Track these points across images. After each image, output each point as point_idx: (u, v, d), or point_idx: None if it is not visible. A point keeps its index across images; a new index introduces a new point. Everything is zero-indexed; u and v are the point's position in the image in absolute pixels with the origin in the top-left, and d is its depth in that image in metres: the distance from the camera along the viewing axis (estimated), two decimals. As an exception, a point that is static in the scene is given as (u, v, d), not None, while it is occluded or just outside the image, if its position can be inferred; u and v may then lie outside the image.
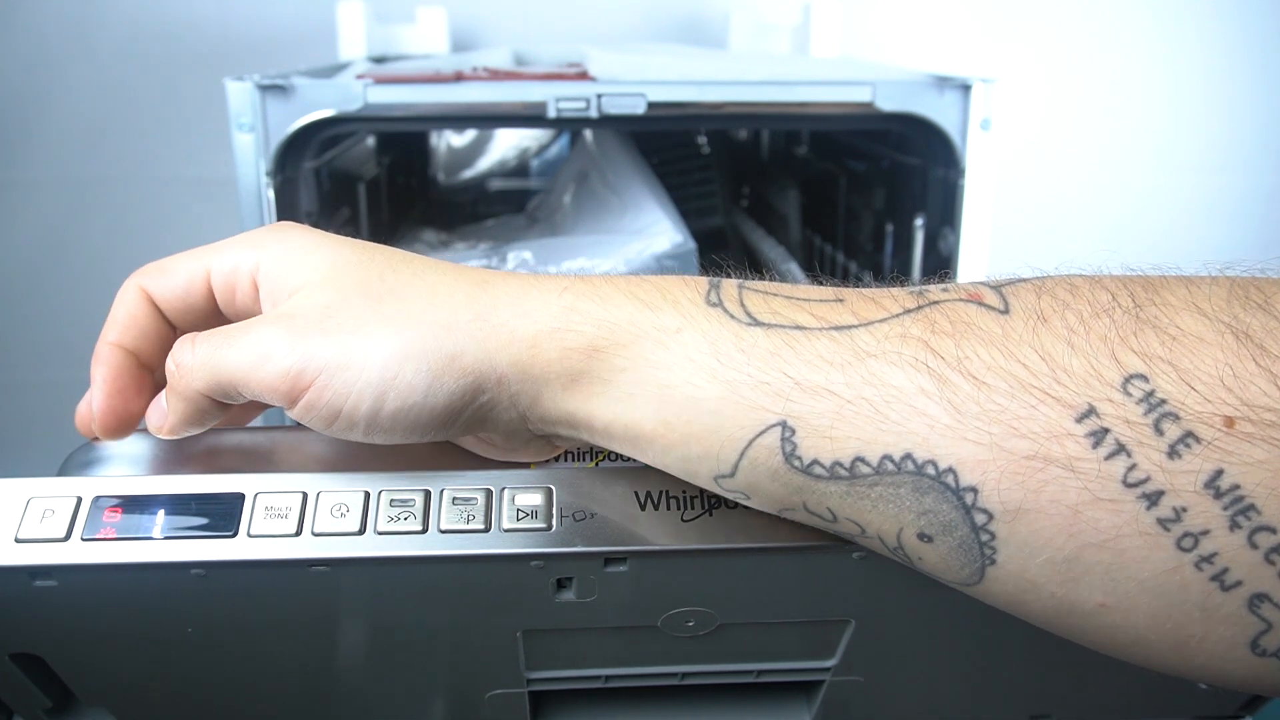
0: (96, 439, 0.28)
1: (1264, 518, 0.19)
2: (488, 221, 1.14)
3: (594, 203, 0.97)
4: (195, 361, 0.25)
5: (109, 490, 0.26)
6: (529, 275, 0.26)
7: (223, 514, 0.25)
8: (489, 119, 0.70)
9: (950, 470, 0.21)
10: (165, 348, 0.28)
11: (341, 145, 0.85)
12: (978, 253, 0.70)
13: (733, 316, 0.24)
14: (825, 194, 1.02)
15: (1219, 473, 0.19)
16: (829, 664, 0.32)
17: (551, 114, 0.64)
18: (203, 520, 0.25)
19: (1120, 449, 0.20)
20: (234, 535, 0.25)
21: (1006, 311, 0.22)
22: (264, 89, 0.63)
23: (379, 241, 0.28)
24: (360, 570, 0.25)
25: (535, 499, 0.26)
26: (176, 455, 0.29)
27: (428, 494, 0.26)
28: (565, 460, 0.28)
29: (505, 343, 0.24)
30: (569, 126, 1.08)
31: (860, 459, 0.22)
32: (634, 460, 0.26)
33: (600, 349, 0.24)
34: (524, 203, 1.18)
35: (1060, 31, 1.22)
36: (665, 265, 0.85)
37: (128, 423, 0.28)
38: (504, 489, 0.26)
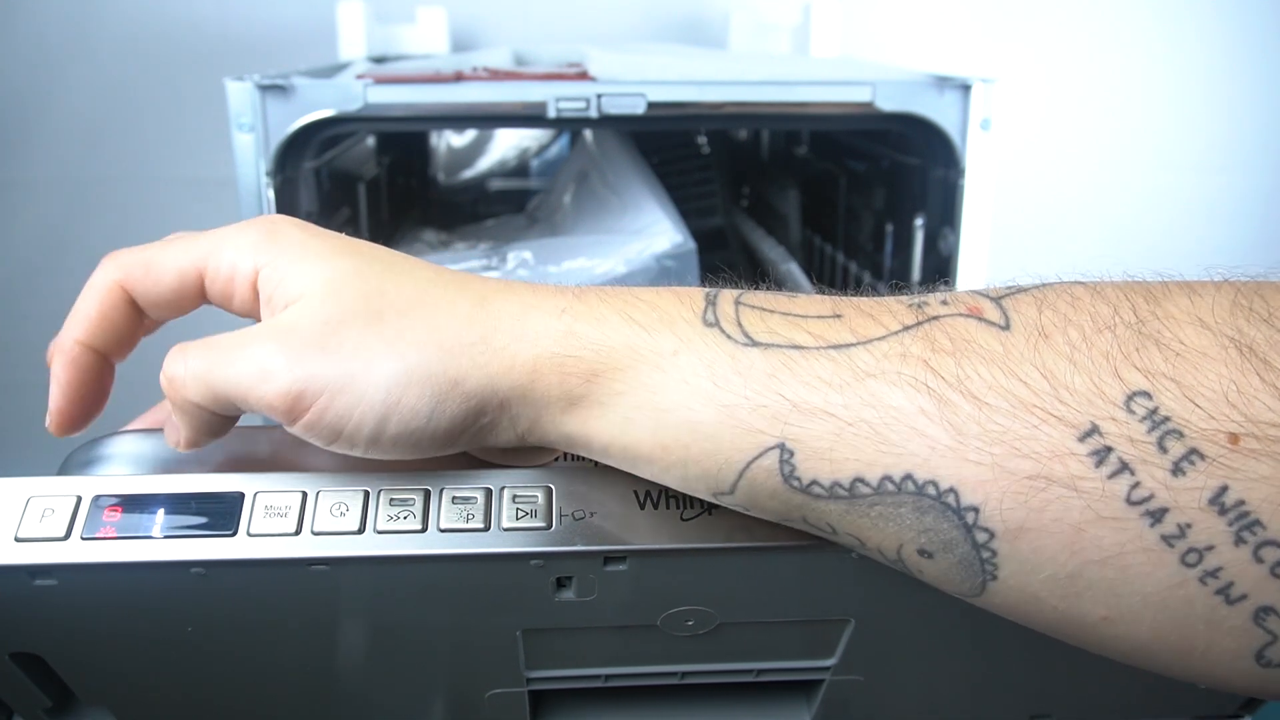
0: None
1: (1269, 532, 0.19)
2: (488, 221, 1.14)
3: (594, 203, 0.97)
4: (189, 374, 0.25)
5: (109, 489, 0.26)
6: (526, 289, 0.25)
7: (222, 513, 0.25)
8: (489, 119, 0.70)
9: (951, 490, 0.21)
10: (134, 342, 0.28)
11: (341, 145, 0.85)
12: (978, 253, 0.70)
13: (729, 337, 0.23)
14: (825, 194, 1.02)
15: (1224, 489, 0.19)
16: (829, 663, 0.32)
17: (551, 114, 0.64)
18: (202, 519, 0.25)
19: (1123, 467, 0.20)
20: (234, 534, 0.25)
21: (1007, 327, 0.22)
22: (264, 89, 0.63)
23: (379, 242, 0.27)
24: (360, 569, 0.25)
25: (535, 498, 0.26)
26: (176, 455, 0.29)
27: (427, 493, 0.26)
28: (565, 459, 0.28)
29: (507, 368, 0.24)
30: (569, 126, 1.08)
31: (860, 480, 0.22)
32: None
33: (599, 373, 0.24)
34: (524, 203, 1.18)
35: (1060, 31, 1.22)
36: (665, 265, 0.85)
37: (86, 423, 0.27)
38: (503, 488, 0.26)
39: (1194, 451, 0.20)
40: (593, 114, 0.64)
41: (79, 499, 0.26)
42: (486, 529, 0.25)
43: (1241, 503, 0.19)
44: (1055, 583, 0.21)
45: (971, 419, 0.21)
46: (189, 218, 1.15)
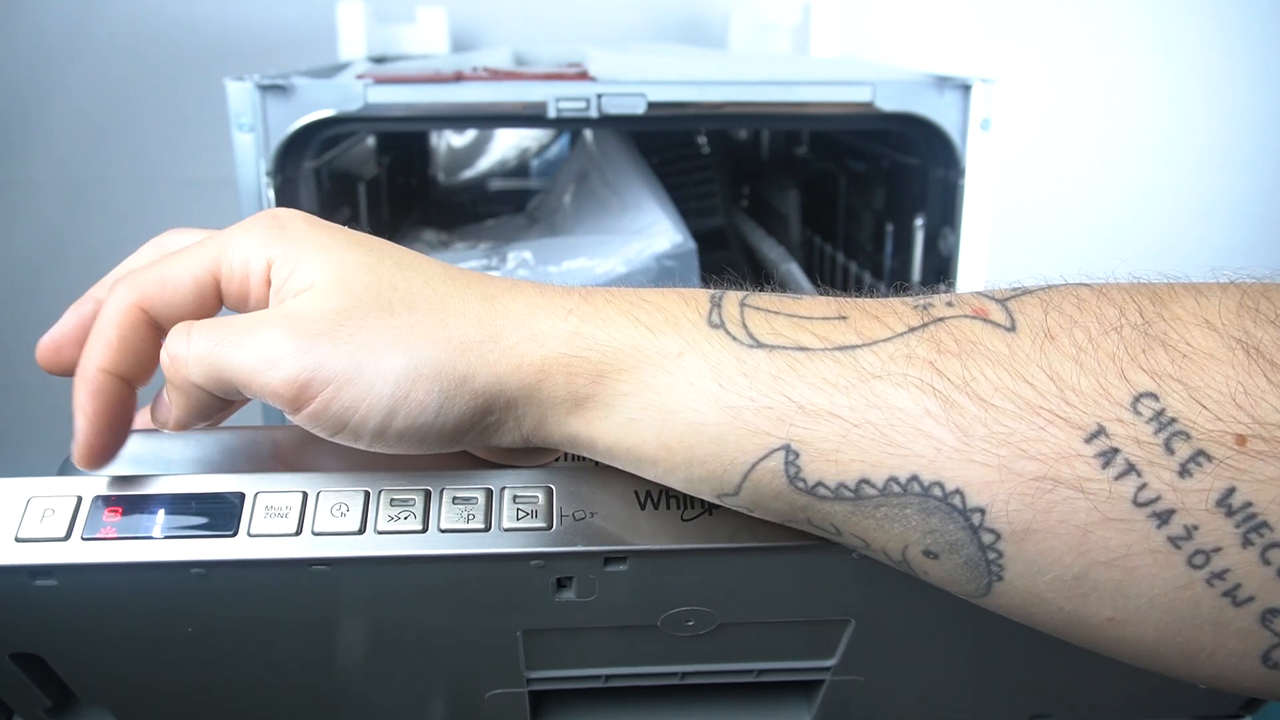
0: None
1: (1277, 534, 0.19)
2: (488, 221, 1.14)
3: (594, 203, 0.97)
4: (192, 354, 0.24)
5: (109, 490, 0.26)
6: (533, 289, 0.25)
7: (223, 513, 0.25)
8: (489, 119, 0.70)
9: (958, 492, 0.21)
10: (154, 365, 0.27)
11: (341, 145, 0.85)
12: (978, 253, 0.70)
13: (735, 339, 0.23)
14: (825, 194, 1.02)
15: (1231, 491, 0.19)
16: (829, 664, 0.32)
17: (551, 114, 0.64)
18: (203, 520, 0.25)
19: (1130, 469, 0.20)
20: (234, 535, 0.25)
21: (1013, 329, 0.22)
22: (264, 89, 0.63)
23: None
24: (360, 570, 0.25)
25: (535, 498, 0.26)
26: (176, 455, 0.29)
27: (428, 493, 0.26)
28: (565, 459, 0.28)
29: (515, 367, 0.24)
30: (569, 126, 1.08)
31: (865, 481, 0.22)
32: None
33: (604, 374, 0.24)
34: (524, 203, 1.18)
35: (1060, 31, 1.22)
36: (665, 265, 0.85)
37: (114, 454, 0.27)
38: (504, 488, 0.26)
39: (1201, 453, 0.19)
40: (593, 114, 0.64)
41: (79, 499, 0.26)
42: (487, 529, 0.25)
43: (1249, 504, 0.19)
44: (1061, 584, 0.21)
45: (977, 420, 0.21)
46: (189, 218, 1.15)
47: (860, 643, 0.31)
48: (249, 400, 0.26)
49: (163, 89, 1.13)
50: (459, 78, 0.64)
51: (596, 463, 0.26)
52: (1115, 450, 0.20)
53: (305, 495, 0.26)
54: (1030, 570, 0.21)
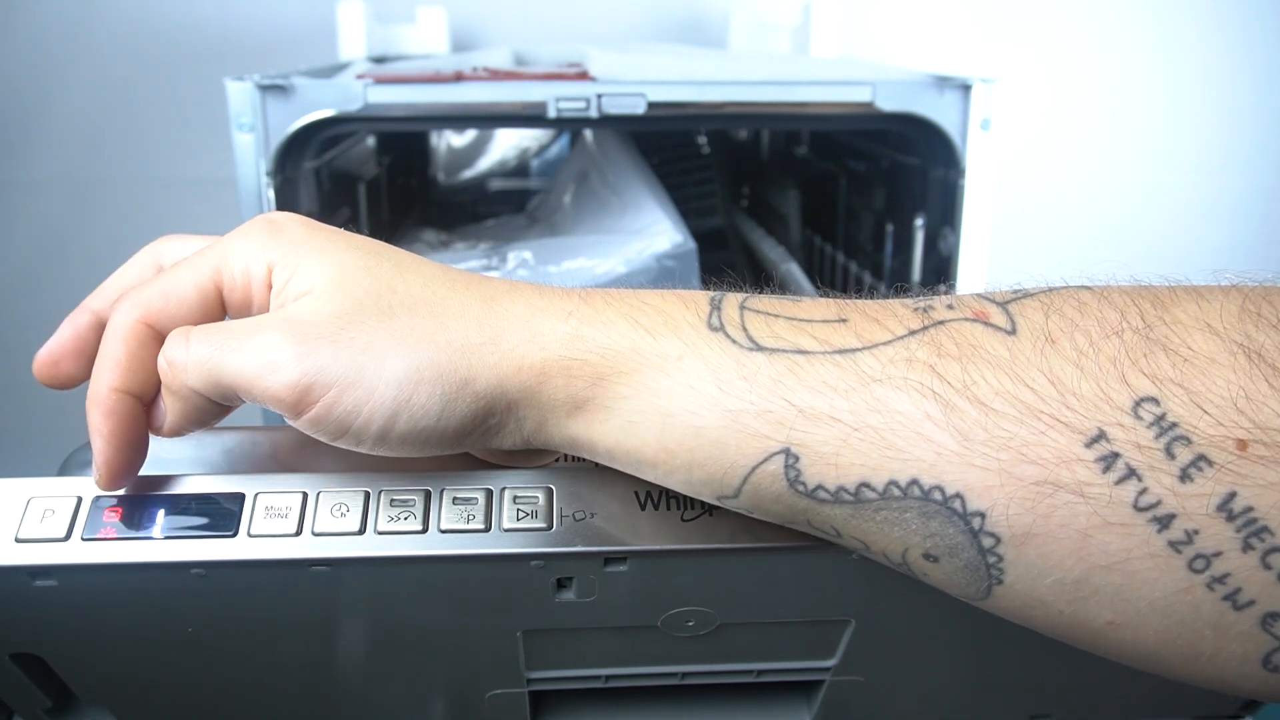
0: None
1: (1277, 539, 0.19)
2: (488, 221, 1.14)
3: (594, 203, 0.97)
4: (191, 360, 0.24)
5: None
6: (533, 291, 0.25)
7: (223, 514, 0.25)
8: (489, 119, 0.70)
9: (958, 496, 0.21)
10: None
11: (341, 145, 0.85)
12: (978, 253, 0.70)
13: (735, 342, 0.23)
14: (825, 194, 1.02)
15: (1232, 495, 0.19)
16: (829, 664, 0.32)
17: (551, 114, 0.64)
18: (203, 520, 0.25)
19: (1131, 473, 0.20)
20: (234, 535, 0.25)
21: (1013, 332, 0.22)
22: (264, 89, 0.63)
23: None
24: (360, 570, 0.25)
25: (535, 499, 0.26)
26: (176, 455, 0.29)
27: (428, 494, 0.26)
28: (565, 460, 0.28)
29: (516, 370, 0.24)
30: (569, 126, 1.08)
31: (865, 484, 0.22)
32: None
33: (604, 377, 0.24)
34: (524, 203, 1.18)
35: (1060, 31, 1.22)
36: (665, 265, 0.85)
37: (135, 471, 0.26)
38: (504, 489, 0.26)
39: (1202, 457, 0.19)
40: (593, 114, 0.64)
41: (79, 499, 0.26)
42: (487, 530, 0.25)
43: (1250, 509, 0.19)
44: (1061, 588, 0.21)
45: (978, 424, 0.21)
46: (189, 218, 1.16)
47: (860, 643, 0.31)
48: (243, 403, 0.26)
49: (163, 89, 1.13)
50: (459, 78, 0.64)
51: (597, 463, 0.26)
52: (1116, 455, 0.20)
53: (305, 496, 0.26)
54: (1030, 574, 0.21)
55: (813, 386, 0.22)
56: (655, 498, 0.26)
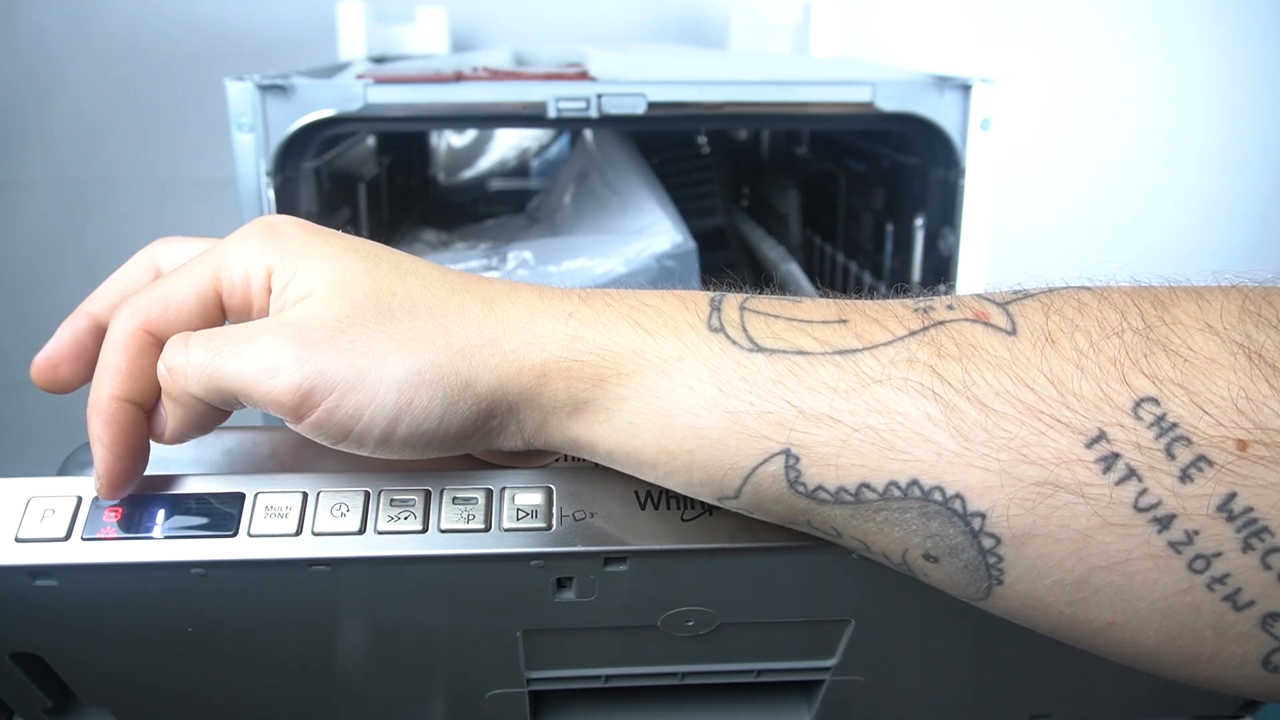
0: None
1: (1278, 539, 0.19)
2: (488, 221, 1.14)
3: (594, 203, 0.97)
4: (190, 366, 0.24)
5: (109, 490, 0.26)
6: (533, 292, 0.25)
7: (223, 514, 0.25)
8: (489, 119, 0.70)
9: (958, 496, 0.21)
10: None
11: (341, 145, 0.85)
12: (978, 253, 0.70)
13: (735, 343, 0.23)
14: (825, 194, 1.02)
15: (1232, 496, 0.19)
16: (829, 664, 0.32)
17: (551, 114, 0.64)
18: (203, 520, 0.25)
19: (1131, 474, 0.20)
20: (234, 535, 0.25)
21: (1014, 333, 0.22)
22: (264, 89, 0.63)
23: (380, 242, 0.27)
24: (360, 570, 0.25)
25: (535, 499, 0.26)
26: (176, 455, 0.29)
27: (428, 494, 0.26)
28: (565, 460, 0.28)
29: (516, 371, 0.24)
30: (569, 126, 1.08)
31: (866, 485, 0.22)
32: None
33: (604, 378, 0.24)
34: (524, 203, 1.18)
35: (1060, 31, 1.22)
36: (665, 265, 0.85)
37: (136, 480, 0.26)
38: (504, 489, 0.26)
39: (1202, 458, 0.19)
40: (593, 114, 0.64)
41: (79, 499, 0.26)
42: (487, 529, 0.25)
43: (1250, 509, 0.19)
44: (1062, 588, 0.21)
45: (978, 425, 0.21)
46: (189, 218, 1.16)
47: (860, 643, 0.31)
48: (244, 407, 0.26)
49: (163, 89, 1.13)
50: (459, 78, 0.64)
51: (597, 463, 0.26)
52: (1116, 455, 0.20)
53: (305, 495, 0.26)
54: (1030, 574, 0.21)
55: (813, 387, 0.22)
56: (655, 498, 0.26)
